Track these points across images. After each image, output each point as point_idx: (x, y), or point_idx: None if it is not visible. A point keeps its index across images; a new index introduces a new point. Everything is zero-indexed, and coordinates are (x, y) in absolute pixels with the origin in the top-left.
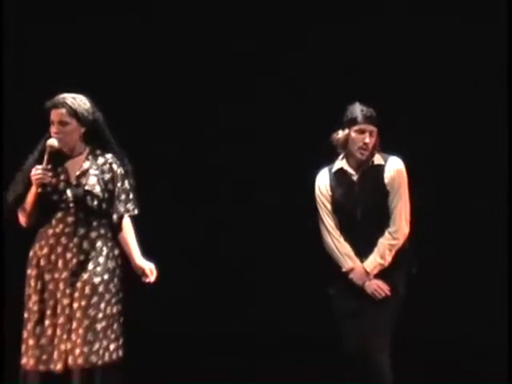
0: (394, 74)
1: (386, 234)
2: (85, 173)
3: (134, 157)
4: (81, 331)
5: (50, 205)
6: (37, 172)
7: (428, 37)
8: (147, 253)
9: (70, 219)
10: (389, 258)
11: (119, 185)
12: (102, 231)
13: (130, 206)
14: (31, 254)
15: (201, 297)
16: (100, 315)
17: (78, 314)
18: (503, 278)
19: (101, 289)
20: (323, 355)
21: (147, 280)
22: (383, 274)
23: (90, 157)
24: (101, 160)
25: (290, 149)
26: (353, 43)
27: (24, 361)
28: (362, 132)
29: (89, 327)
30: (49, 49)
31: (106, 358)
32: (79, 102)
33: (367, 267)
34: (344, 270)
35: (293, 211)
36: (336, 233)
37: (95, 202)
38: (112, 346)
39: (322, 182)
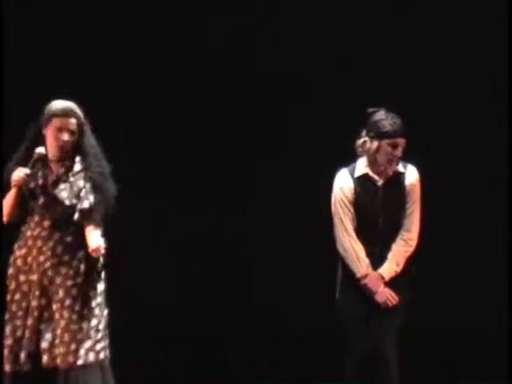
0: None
1: (401, 241)
2: (59, 179)
3: (132, 158)
4: (58, 332)
5: (28, 208)
6: (18, 174)
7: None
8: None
9: (47, 223)
10: (402, 265)
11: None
12: (79, 236)
13: (85, 203)
14: (13, 252)
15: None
16: (74, 317)
17: (57, 316)
18: (503, 277)
19: (74, 292)
20: (329, 356)
21: (96, 253)
22: (392, 278)
23: (67, 163)
24: (77, 167)
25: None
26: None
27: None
28: (394, 146)
29: (65, 328)
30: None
31: (88, 357)
32: (81, 113)
33: (384, 274)
34: (358, 275)
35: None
36: (355, 237)
37: (59, 209)
38: (94, 347)
39: (346, 184)
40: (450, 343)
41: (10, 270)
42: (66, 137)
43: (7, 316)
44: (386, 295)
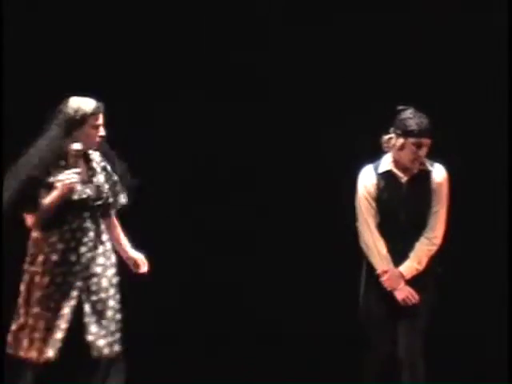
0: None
1: (424, 239)
2: (94, 172)
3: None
4: (104, 322)
5: (68, 204)
6: (70, 177)
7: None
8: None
9: (86, 214)
10: (424, 264)
11: (114, 180)
12: (104, 226)
13: (123, 198)
14: (36, 251)
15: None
16: (117, 306)
17: (101, 307)
18: (503, 277)
19: (114, 281)
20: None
21: (140, 271)
22: (416, 278)
23: (91, 157)
24: (97, 159)
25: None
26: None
27: (34, 354)
28: (418, 145)
29: (112, 318)
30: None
31: (119, 348)
32: None
33: (404, 272)
34: (378, 271)
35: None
36: (377, 233)
37: (104, 199)
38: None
39: (369, 181)
40: (450, 343)
41: (40, 268)
42: (102, 132)
43: (37, 309)
44: (405, 293)
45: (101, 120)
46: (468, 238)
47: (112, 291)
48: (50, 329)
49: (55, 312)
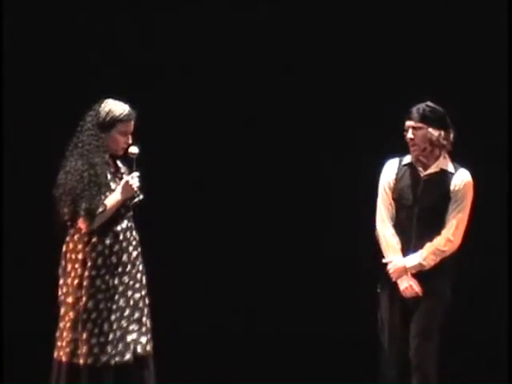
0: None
1: (438, 239)
2: (124, 172)
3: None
4: (144, 320)
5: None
6: (133, 181)
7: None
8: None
9: (129, 214)
10: (431, 263)
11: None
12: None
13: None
14: (93, 255)
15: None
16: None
17: (141, 304)
18: (504, 278)
19: (145, 278)
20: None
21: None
22: (430, 280)
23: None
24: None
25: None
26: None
27: (90, 360)
28: (406, 129)
29: (148, 315)
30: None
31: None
32: None
33: (407, 264)
34: (384, 261)
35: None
36: (389, 223)
37: (137, 198)
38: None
39: (390, 171)
40: (450, 343)
41: (94, 272)
42: (129, 140)
43: (94, 314)
44: (405, 284)
45: (131, 127)
46: (468, 237)
47: (146, 288)
48: (114, 331)
49: (120, 313)
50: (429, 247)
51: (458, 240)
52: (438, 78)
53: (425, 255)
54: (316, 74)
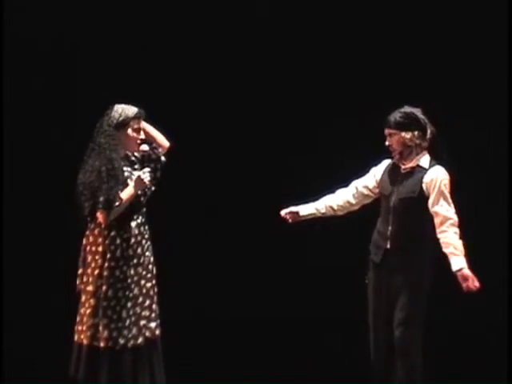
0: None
1: (446, 229)
2: (137, 168)
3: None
4: (154, 306)
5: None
6: (144, 176)
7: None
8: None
9: (143, 210)
10: (462, 248)
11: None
12: None
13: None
14: (112, 247)
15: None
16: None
17: (151, 292)
18: (503, 278)
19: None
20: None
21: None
22: (409, 265)
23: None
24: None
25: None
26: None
27: (110, 343)
28: (385, 137)
29: (157, 302)
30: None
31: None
32: None
33: (461, 266)
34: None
35: None
36: (347, 189)
37: (148, 193)
38: None
39: (380, 166)
40: (450, 343)
41: (113, 263)
42: (141, 135)
43: (114, 302)
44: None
45: (142, 124)
46: (468, 237)
47: (156, 278)
48: (129, 317)
49: (135, 300)
50: (451, 239)
51: (455, 216)
52: (437, 78)
53: (456, 245)
54: (314, 79)
